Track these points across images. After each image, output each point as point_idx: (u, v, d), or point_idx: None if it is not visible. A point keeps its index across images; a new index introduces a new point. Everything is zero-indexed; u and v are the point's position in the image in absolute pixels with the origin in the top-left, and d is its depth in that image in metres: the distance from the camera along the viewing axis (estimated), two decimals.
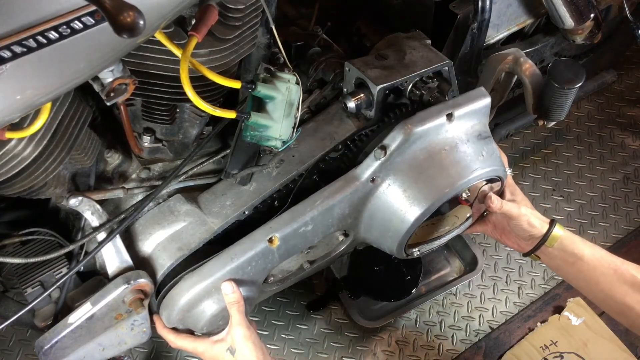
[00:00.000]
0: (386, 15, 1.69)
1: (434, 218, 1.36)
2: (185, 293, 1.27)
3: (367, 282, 1.85)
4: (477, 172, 1.28)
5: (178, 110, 1.31)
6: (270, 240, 1.27)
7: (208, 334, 1.33)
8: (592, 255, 1.30)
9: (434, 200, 1.26)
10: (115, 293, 1.27)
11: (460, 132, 1.29)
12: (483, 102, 1.30)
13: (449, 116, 1.26)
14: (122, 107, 1.22)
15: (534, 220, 1.34)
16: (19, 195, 1.15)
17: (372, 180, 1.27)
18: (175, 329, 1.34)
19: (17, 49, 0.77)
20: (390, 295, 1.85)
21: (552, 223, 1.34)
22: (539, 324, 1.82)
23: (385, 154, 1.24)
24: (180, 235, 1.35)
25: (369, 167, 1.27)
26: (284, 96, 1.22)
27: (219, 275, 1.26)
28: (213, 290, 1.27)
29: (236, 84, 1.15)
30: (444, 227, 1.42)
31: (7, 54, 0.77)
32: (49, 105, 0.98)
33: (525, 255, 1.39)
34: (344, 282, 1.85)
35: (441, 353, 1.77)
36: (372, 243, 1.42)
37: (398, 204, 1.27)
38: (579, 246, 1.31)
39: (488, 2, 1.52)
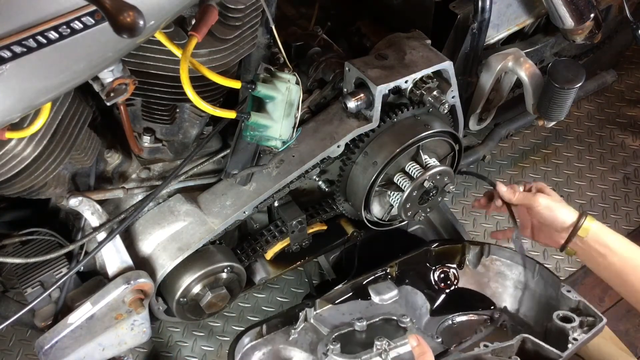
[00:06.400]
0: (386, 15, 1.69)
1: None
2: None
3: None
4: None
5: (178, 110, 1.31)
6: None
7: None
8: (623, 248, 1.33)
9: None
10: (115, 293, 1.27)
11: None
12: None
13: None
14: (122, 107, 1.22)
15: (561, 212, 1.37)
16: (19, 195, 1.15)
17: None
18: None
19: (17, 49, 0.78)
20: None
21: (583, 214, 1.36)
22: None
23: None
24: (181, 235, 1.36)
25: None
26: (284, 96, 1.22)
27: None
28: None
29: (236, 84, 1.15)
30: None
31: (7, 54, 0.77)
32: (49, 105, 0.98)
33: (561, 249, 1.41)
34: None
35: None
36: None
37: None
38: (610, 238, 1.34)
39: (488, 2, 1.51)
